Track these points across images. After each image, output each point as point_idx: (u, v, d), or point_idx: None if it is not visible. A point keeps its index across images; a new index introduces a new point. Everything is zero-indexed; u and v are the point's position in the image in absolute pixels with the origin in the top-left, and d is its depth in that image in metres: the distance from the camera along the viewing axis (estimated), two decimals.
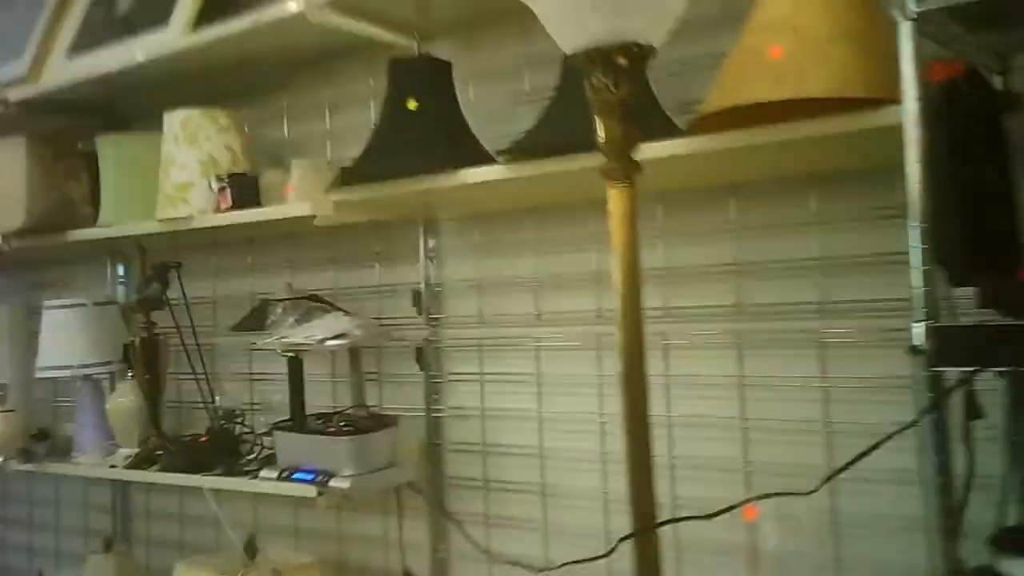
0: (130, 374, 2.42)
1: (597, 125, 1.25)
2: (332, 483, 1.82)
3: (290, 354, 2.08)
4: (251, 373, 2.45)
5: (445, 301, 2.11)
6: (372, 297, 2.21)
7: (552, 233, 1.96)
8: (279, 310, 1.99)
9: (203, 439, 2.22)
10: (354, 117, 2.24)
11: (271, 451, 2.07)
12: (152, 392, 2.34)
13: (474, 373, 2.06)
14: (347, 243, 2.27)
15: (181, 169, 2.11)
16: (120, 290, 2.77)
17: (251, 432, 2.14)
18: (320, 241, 2.31)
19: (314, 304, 2.06)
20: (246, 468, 2.05)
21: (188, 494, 2.58)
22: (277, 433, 1.96)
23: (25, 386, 2.71)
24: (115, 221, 2.26)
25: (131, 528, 2.74)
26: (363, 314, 2.07)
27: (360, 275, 2.24)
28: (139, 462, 2.24)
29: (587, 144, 1.28)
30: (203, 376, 2.31)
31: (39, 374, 2.48)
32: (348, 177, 1.79)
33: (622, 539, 1.25)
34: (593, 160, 1.28)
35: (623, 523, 1.81)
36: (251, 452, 2.11)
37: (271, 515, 2.40)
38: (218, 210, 2.06)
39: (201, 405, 2.26)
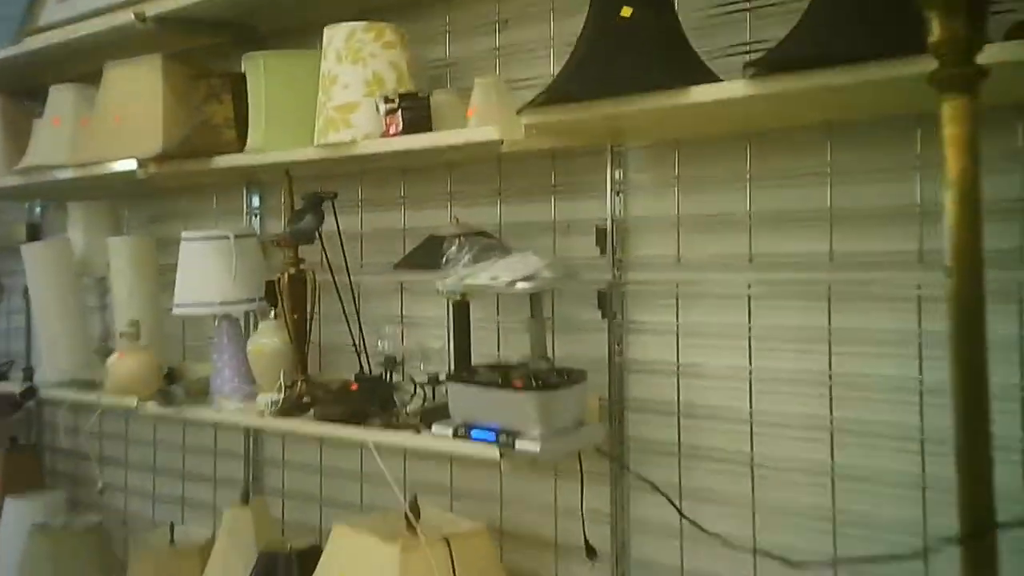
0: (272, 313, 2.24)
1: (930, 22, 0.99)
2: (519, 445, 1.61)
3: (457, 296, 1.87)
4: (401, 316, 2.25)
5: (633, 240, 1.87)
6: (545, 235, 1.98)
7: (772, 163, 1.70)
8: (453, 247, 1.77)
9: (353, 386, 2.03)
10: (526, 33, 1.99)
11: (430, 403, 1.88)
12: (299, 333, 2.15)
13: (668, 323, 1.82)
14: (517, 174, 2.03)
15: (344, 89, 1.89)
16: (256, 222, 2.59)
17: (411, 381, 1.94)
18: (484, 172, 2.08)
19: (491, 241, 1.83)
20: (407, 422, 1.85)
21: (328, 445, 2.41)
22: (450, 385, 1.75)
23: (155, 323, 2.55)
24: (266, 146, 2.06)
25: (263, 478, 2.58)
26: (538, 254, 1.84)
27: (531, 210, 2.01)
28: (288, 410, 2.06)
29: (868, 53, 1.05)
30: (355, 317, 2.13)
31: (176, 311, 2.32)
32: (555, 95, 1.55)
33: (951, 541, 1.00)
34: (904, 68, 1.03)
35: (851, 503, 1.59)
36: (407, 403, 1.91)
37: (419, 471, 2.21)
38: (386, 135, 1.84)
39: (351, 349, 2.08)
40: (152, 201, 2.88)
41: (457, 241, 1.79)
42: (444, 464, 2.16)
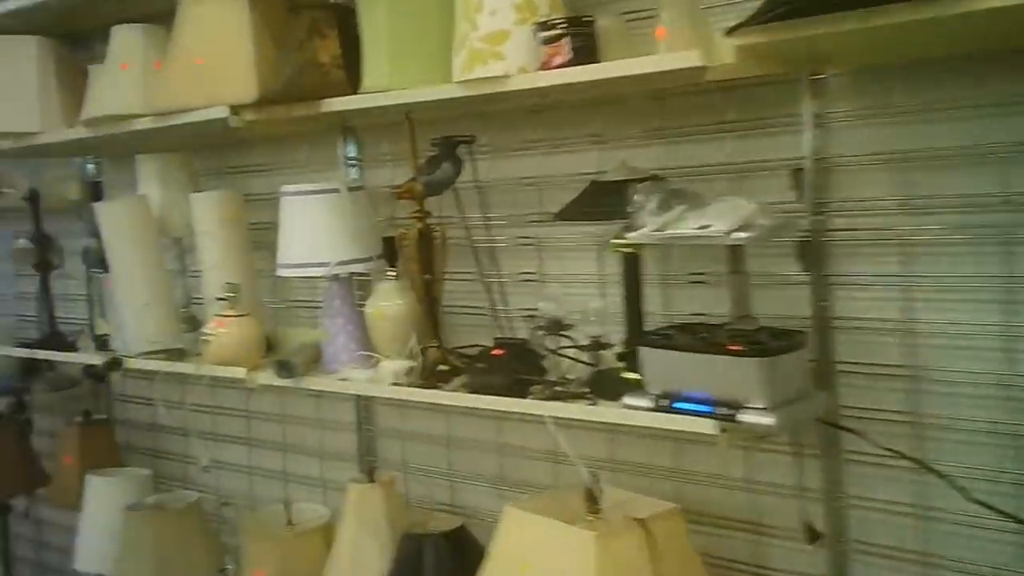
0: (392, 273, 2.02)
1: None
2: (746, 417, 1.40)
3: (628, 249, 1.65)
4: (539, 273, 2.03)
5: (837, 181, 1.64)
6: (723, 178, 1.75)
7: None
8: (638, 194, 1.54)
9: (498, 352, 1.83)
10: None
11: (587, 370, 1.68)
12: (430, 295, 1.94)
13: (883, 275, 1.60)
14: (675, 111, 1.80)
15: (491, 16, 1.64)
16: (352, 173, 2.35)
17: (575, 346, 1.72)
18: (637, 109, 1.84)
19: (674, 188, 1.60)
20: (574, 391, 1.65)
21: (457, 415, 2.21)
22: (644, 350, 1.54)
23: (249, 287, 2.33)
24: (392, 85, 1.81)
25: (376, 450, 2.38)
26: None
27: (697, 151, 1.78)
28: (430, 379, 1.86)
29: None
30: (492, 276, 1.92)
31: (283, 272, 2.10)
32: (781, 10, 1.30)
33: None
34: None
35: None
36: (562, 371, 1.71)
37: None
38: (548, 66, 1.59)
39: (471, 311, 1.87)
40: (225, 153, 2.64)
41: (640, 188, 1.56)
42: (600, 436, 1.96)
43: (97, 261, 2.64)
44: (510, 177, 2.03)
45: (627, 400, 1.53)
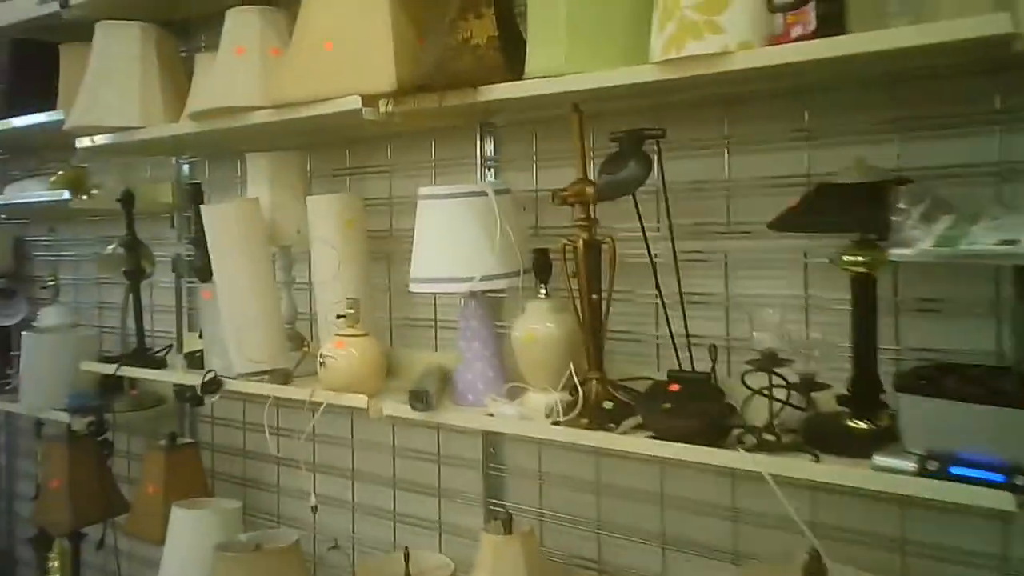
0: (543, 290, 1.74)
1: None
2: None
3: (860, 269, 1.34)
4: (721, 294, 1.73)
5: None
6: (981, 182, 1.43)
7: None
8: (901, 202, 1.24)
9: (673, 387, 1.52)
10: None
11: (792, 414, 1.37)
12: (595, 317, 1.64)
13: None
14: (921, 96, 1.49)
15: None
16: (489, 175, 2.07)
17: (783, 384, 1.41)
18: (866, 96, 1.54)
19: (938, 194, 1.29)
20: (788, 442, 1.34)
21: (609, 457, 1.90)
22: (906, 398, 1.22)
23: (368, 303, 2.06)
24: (572, 67, 1.53)
25: (503, 491, 2.08)
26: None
27: (952, 148, 1.46)
28: (598, 419, 1.56)
29: None
30: (663, 295, 1.62)
31: (417, 288, 1.83)
32: None
33: None
34: None
35: None
36: (759, 413, 1.40)
37: (746, 497, 1.69)
38: (783, 39, 1.30)
39: (641, 336, 1.58)
40: (336, 152, 2.38)
41: (899, 193, 1.25)
42: (791, 491, 1.64)
43: (193, 270, 2.41)
44: (688, 180, 1.73)
45: (879, 460, 1.22)
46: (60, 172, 2.82)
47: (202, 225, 2.39)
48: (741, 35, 1.33)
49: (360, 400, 1.86)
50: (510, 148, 2.03)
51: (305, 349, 2.22)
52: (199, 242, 2.40)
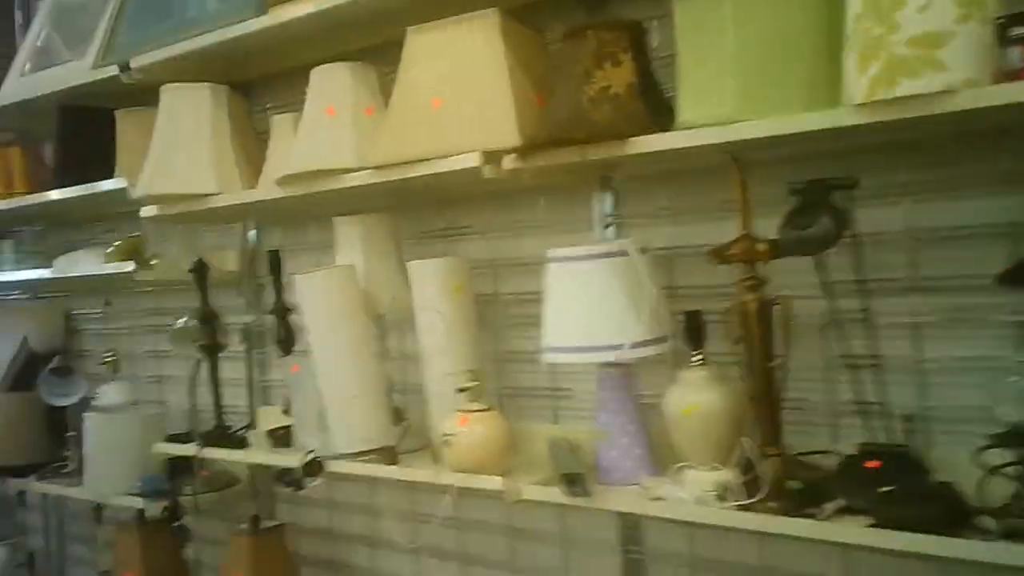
0: (696, 357, 1.59)
1: None
2: None
3: None
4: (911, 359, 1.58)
5: None
6: None
7: None
8: None
9: (873, 464, 1.37)
10: None
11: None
12: (770, 386, 1.50)
13: None
14: None
15: (922, 12, 1.22)
16: (609, 232, 1.93)
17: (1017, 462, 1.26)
18: None
19: None
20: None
21: (775, 541, 1.74)
22: None
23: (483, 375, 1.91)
24: (741, 115, 1.40)
25: None
26: None
27: None
28: (778, 500, 1.40)
29: None
30: (867, 360, 1.47)
31: (554, 358, 1.68)
32: None
33: None
34: None
35: None
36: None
37: None
38: (1018, 77, 1.17)
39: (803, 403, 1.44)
40: (425, 213, 2.24)
41: None
42: None
43: (277, 343, 2.26)
44: (870, 232, 1.59)
45: None
46: (117, 243, 2.68)
47: (281, 294, 2.26)
48: (966, 71, 1.19)
49: (494, 482, 1.71)
50: (632, 204, 1.89)
51: (406, 424, 2.07)
52: (280, 312, 2.26)
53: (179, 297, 2.80)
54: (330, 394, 1.98)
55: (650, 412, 1.67)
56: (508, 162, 1.69)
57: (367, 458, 1.96)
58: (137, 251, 2.65)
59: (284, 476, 2.07)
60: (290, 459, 2.05)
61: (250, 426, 2.42)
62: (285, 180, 2.03)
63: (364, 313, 1.99)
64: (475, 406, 1.77)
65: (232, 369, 2.66)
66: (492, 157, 1.70)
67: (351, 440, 1.97)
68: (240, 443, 2.33)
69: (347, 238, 2.11)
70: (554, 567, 2.03)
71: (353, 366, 1.97)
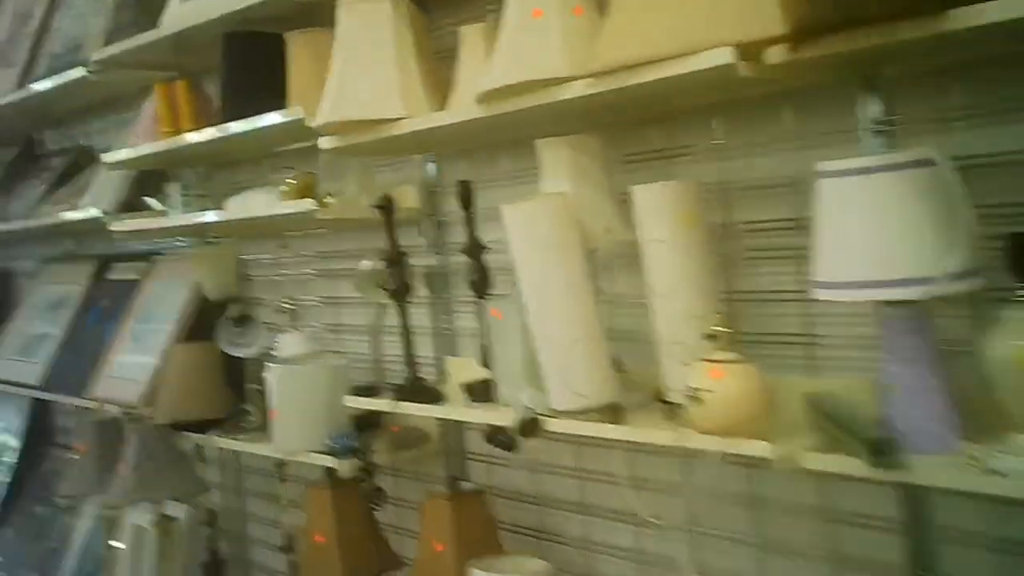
0: None
1: None
2: None
3: None
4: None
5: None
6: None
7: None
8: None
9: None
10: None
11: None
12: None
13: None
14: None
15: None
16: (879, 143, 1.57)
17: None
18: None
19: None
20: None
21: None
22: None
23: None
24: None
25: (937, 562, 1.58)
26: None
27: None
28: None
29: None
30: None
31: (837, 295, 1.36)
32: None
33: None
34: None
35: None
36: None
37: None
38: None
39: None
40: (633, 132, 1.93)
41: None
42: None
43: (470, 284, 2.02)
44: None
45: None
46: (290, 180, 2.47)
47: (474, 231, 2.00)
48: None
49: (759, 448, 1.41)
50: (908, 107, 1.53)
51: (624, 377, 1.80)
52: (473, 251, 2.02)
53: (352, 239, 2.61)
54: (545, 342, 1.72)
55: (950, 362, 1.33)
56: (774, 54, 1.36)
57: (590, 416, 1.70)
58: (312, 189, 2.45)
59: (494, 436, 1.82)
60: (503, 416, 1.81)
61: (443, 379, 2.19)
62: (486, 97, 1.75)
63: (582, 249, 1.71)
64: (728, 356, 1.48)
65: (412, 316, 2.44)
66: (749, 51, 1.38)
67: (571, 395, 1.71)
68: (436, 397, 2.10)
69: (553, 163, 1.83)
70: (808, 542, 1.73)
71: (572, 308, 1.70)
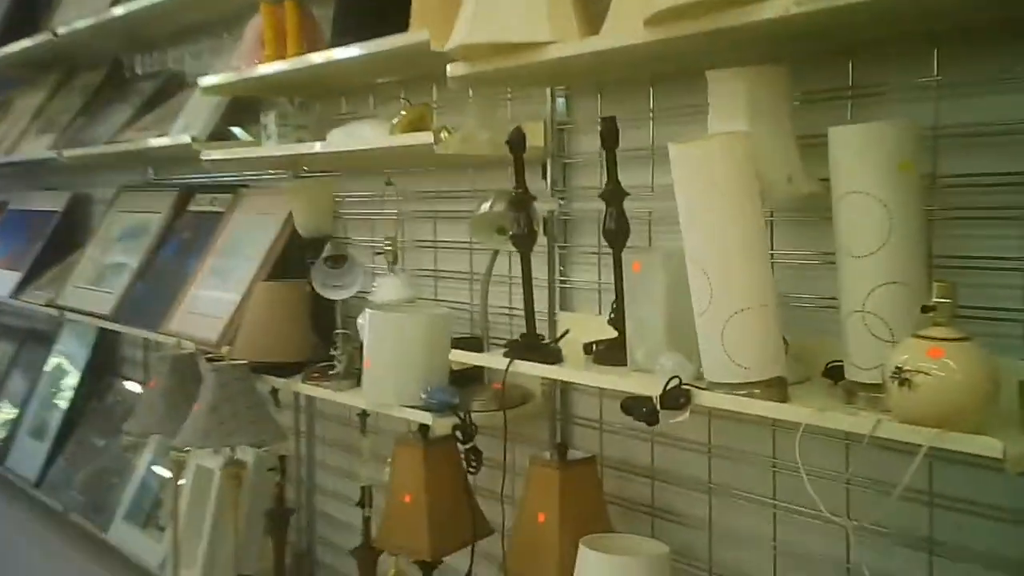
0: None
1: None
2: None
3: None
4: None
5: None
6: None
7: None
8: None
9: None
10: None
11: None
12: None
13: None
14: None
15: None
16: None
17: None
18: None
19: None
20: None
21: None
22: None
23: (922, 284, 1.37)
24: None
25: None
26: None
27: None
28: None
29: None
30: None
31: None
32: None
33: None
34: None
35: None
36: None
37: None
38: None
39: None
40: (808, 67, 1.68)
41: None
42: None
43: (606, 234, 1.80)
44: None
45: None
46: (402, 112, 2.27)
47: (615, 175, 1.79)
48: None
49: (986, 445, 1.18)
50: None
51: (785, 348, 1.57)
52: (615, 197, 1.80)
53: (462, 178, 2.41)
54: (707, 303, 1.49)
55: None
56: None
57: (752, 392, 1.47)
58: (426, 122, 2.25)
59: (633, 405, 1.60)
60: (642, 384, 1.59)
61: (562, 336, 1.97)
62: (658, 18, 1.52)
63: (759, 199, 1.48)
64: (950, 332, 1.24)
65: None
66: None
67: (732, 366, 1.48)
68: (555, 356, 1.89)
69: (729, 99, 1.59)
70: (989, 546, 1.49)
71: (746, 268, 1.47)
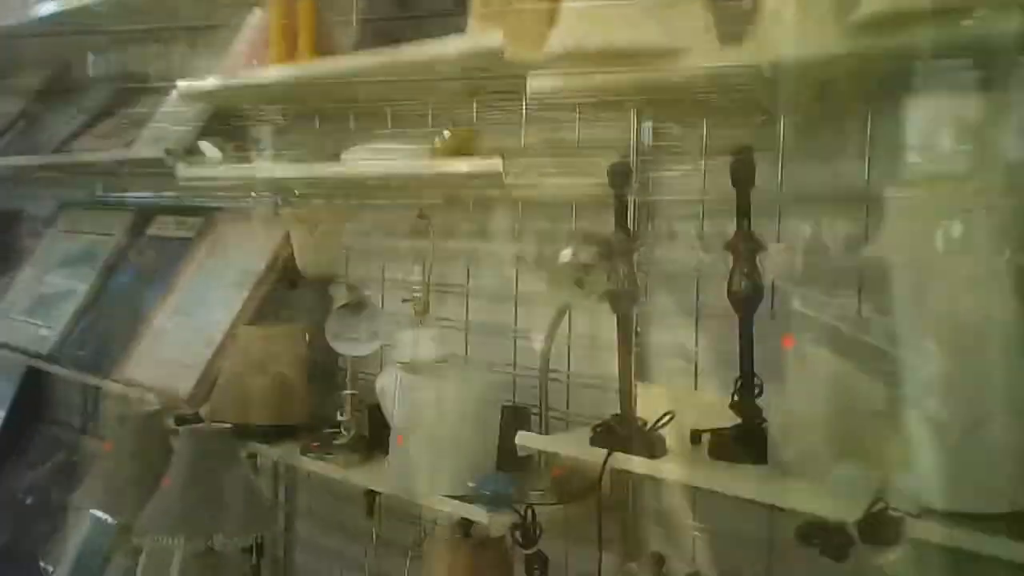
0: None
1: None
2: None
3: None
4: None
5: None
6: None
7: None
8: None
9: None
10: None
11: None
12: None
13: None
14: None
15: None
16: None
17: None
18: None
19: None
20: None
21: None
22: None
23: None
24: None
25: None
26: None
27: None
28: None
29: None
30: None
31: None
32: None
33: None
34: None
35: None
36: None
37: None
38: None
39: None
40: None
41: None
42: None
43: (736, 296, 1.43)
44: None
45: None
46: (447, 132, 1.87)
47: (748, 221, 1.42)
48: None
49: None
50: None
51: None
52: (748, 247, 1.43)
53: (500, 215, 2.01)
54: (925, 405, 1.11)
55: None
56: None
57: (988, 525, 1.09)
58: (471, 146, 1.85)
59: (815, 532, 1.20)
60: (836, 507, 1.19)
61: (664, 421, 1.56)
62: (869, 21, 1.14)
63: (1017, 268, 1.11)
64: None
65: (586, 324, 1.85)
66: None
67: (954, 490, 1.10)
68: (659, 448, 1.49)
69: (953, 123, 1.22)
70: None
71: (988, 362, 1.09)
